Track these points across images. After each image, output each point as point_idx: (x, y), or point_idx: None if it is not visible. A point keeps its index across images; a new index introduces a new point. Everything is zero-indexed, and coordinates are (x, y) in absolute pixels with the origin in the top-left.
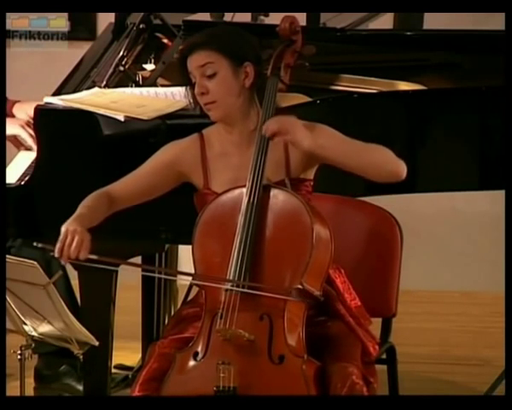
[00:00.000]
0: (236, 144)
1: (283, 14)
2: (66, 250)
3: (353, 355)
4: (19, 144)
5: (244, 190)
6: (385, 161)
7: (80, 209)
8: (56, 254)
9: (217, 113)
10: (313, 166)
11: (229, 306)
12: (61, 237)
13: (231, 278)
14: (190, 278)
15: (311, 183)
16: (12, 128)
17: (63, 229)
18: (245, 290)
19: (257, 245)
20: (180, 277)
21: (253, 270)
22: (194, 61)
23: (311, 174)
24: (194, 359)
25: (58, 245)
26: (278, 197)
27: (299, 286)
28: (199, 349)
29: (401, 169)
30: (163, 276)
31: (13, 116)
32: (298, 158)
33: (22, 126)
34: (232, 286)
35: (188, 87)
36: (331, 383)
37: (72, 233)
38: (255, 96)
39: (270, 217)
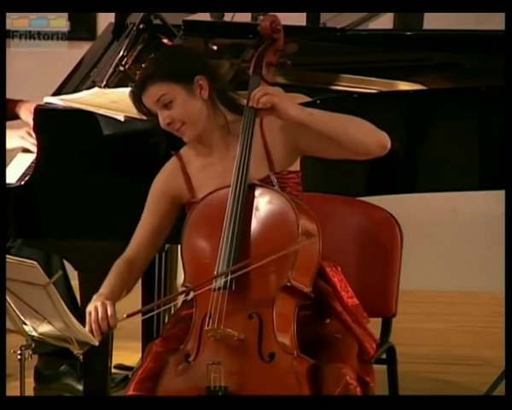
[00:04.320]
0: (215, 153)
1: (283, 14)
2: (95, 327)
3: (349, 356)
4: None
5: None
6: (370, 130)
7: (101, 289)
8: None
9: (190, 132)
10: (296, 158)
11: (218, 305)
12: (87, 319)
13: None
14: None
15: (299, 174)
16: (12, 142)
17: (87, 311)
18: (244, 270)
19: (244, 243)
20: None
21: None
22: (149, 98)
23: (296, 166)
24: (186, 360)
25: (87, 327)
26: (263, 195)
27: (287, 284)
28: (190, 351)
29: (386, 139)
30: (162, 308)
31: (17, 117)
32: (279, 151)
33: (22, 138)
34: (225, 277)
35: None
36: (325, 383)
37: (94, 310)
38: (217, 102)
39: (255, 215)
